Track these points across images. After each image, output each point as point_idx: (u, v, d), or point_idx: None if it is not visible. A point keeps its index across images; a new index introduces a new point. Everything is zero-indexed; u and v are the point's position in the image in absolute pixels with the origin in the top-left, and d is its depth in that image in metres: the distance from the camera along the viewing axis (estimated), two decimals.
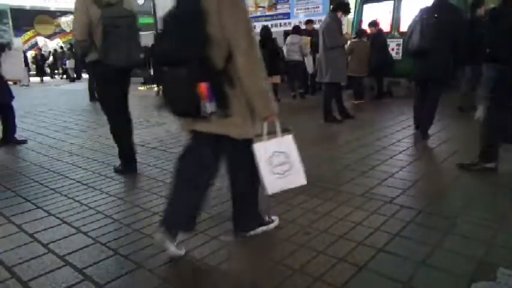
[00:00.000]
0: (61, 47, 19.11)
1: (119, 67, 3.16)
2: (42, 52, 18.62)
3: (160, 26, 1.91)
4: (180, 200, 2.01)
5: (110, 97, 3.37)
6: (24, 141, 4.99)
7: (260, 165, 1.93)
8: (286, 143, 1.95)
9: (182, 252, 2.06)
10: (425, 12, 4.15)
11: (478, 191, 2.82)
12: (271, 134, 1.95)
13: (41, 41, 20.65)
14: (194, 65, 1.73)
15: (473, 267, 1.87)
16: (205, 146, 2.00)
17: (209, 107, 1.76)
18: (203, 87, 1.73)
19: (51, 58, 18.80)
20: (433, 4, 4.19)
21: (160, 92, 1.93)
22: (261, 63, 1.85)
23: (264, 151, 1.92)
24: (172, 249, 2.00)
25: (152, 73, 9.59)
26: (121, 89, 3.40)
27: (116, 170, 3.57)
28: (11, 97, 4.88)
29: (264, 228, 2.28)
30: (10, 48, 5.11)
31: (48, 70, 18.44)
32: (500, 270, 1.83)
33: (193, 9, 1.75)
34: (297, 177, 1.98)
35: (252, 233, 2.23)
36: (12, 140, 4.94)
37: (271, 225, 2.32)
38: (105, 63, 3.10)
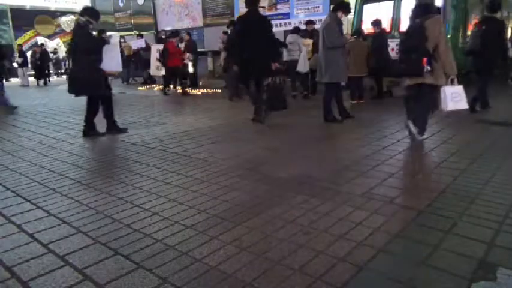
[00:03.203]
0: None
1: None
2: (47, 49, 17.68)
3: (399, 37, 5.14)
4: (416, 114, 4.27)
5: None
6: (124, 130, 5.31)
7: (447, 95, 4.01)
8: (459, 88, 4.07)
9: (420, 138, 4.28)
10: (477, 25, 5.93)
11: (478, 191, 2.82)
12: (453, 83, 4.07)
13: (40, 41, 20.60)
14: (420, 51, 3.89)
15: (473, 267, 1.87)
16: (422, 89, 4.10)
17: (425, 69, 3.93)
18: (425, 60, 3.92)
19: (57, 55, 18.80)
20: (482, 19, 6.02)
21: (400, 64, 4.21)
22: (451, 50, 3.96)
23: (450, 90, 4.04)
24: (413, 129, 4.23)
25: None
26: None
27: None
28: (109, 89, 5.23)
29: (423, 137, 4.28)
30: (109, 42, 5.10)
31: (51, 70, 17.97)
32: (500, 270, 1.84)
33: (420, 26, 3.89)
34: (463, 105, 4.10)
35: (420, 136, 4.23)
36: (115, 128, 5.26)
37: (423, 137, 4.28)
38: None
